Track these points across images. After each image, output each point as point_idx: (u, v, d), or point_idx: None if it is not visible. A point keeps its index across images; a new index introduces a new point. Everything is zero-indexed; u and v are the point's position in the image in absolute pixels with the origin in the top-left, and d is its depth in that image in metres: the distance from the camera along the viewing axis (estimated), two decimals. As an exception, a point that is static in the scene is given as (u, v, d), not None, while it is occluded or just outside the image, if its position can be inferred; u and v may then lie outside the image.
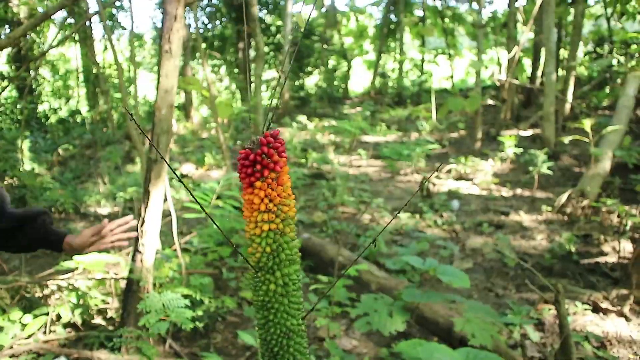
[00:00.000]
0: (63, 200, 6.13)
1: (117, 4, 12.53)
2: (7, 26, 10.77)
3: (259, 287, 0.94)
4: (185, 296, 2.65)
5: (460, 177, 7.04)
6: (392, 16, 16.56)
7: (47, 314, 3.03)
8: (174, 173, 0.77)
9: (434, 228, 5.03)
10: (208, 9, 13.97)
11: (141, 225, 2.86)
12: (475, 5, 12.97)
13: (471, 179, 6.92)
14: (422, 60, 16.23)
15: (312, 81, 16.01)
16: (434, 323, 2.76)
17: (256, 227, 0.93)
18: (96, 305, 3.26)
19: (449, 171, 7.23)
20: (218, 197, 3.67)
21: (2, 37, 11.19)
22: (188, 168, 7.76)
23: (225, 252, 3.42)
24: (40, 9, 11.59)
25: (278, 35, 13.82)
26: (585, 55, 12.02)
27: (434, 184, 6.44)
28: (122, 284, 3.44)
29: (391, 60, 17.73)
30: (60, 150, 8.69)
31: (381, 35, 16.34)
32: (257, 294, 0.95)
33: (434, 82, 15.76)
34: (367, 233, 4.52)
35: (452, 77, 14.69)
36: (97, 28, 12.72)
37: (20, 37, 4.10)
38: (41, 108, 12.78)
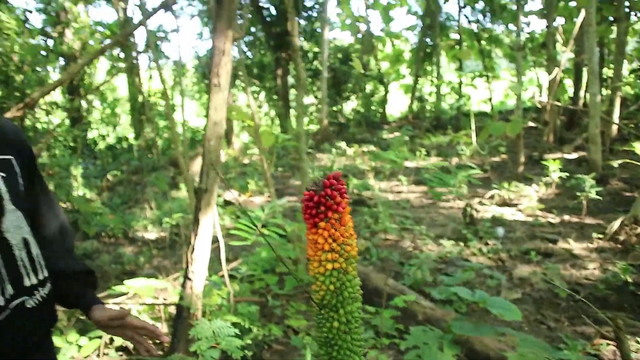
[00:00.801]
0: (113, 225, 6.37)
1: (162, 35, 13.12)
2: (61, 58, 11.45)
3: (322, 324, 0.97)
4: (234, 324, 2.69)
5: (504, 203, 6.89)
6: (428, 40, 16.61)
7: (101, 337, 3.13)
8: (239, 207, 0.81)
9: (479, 256, 4.92)
10: (247, 38, 14.42)
11: (191, 253, 2.94)
12: (512, 26, 12.86)
13: (515, 205, 6.75)
14: (460, 84, 16.13)
15: (350, 106, 16.14)
16: (485, 357, 2.69)
17: (320, 266, 0.96)
18: (146, 330, 3.34)
19: (492, 197, 7.09)
20: (263, 225, 3.73)
21: (57, 68, 11.89)
22: (231, 194, 7.93)
23: (272, 280, 3.46)
24: (91, 42, 12.28)
25: (315, 62, 14.09)
26: (630, 73, 11.66)
27: (477, 211, 6.32)
28: (171, 309, 3.53)
29: (428, 84, 17.71)
30: (109, 176, 9.05)
31: (417, 59, 16.37)
32: (321, 330, 0.98)
33: (472, 105, 15.61)
34: (412, 261, 4.48)
35: (490, 99, 14.49)
36: (143, 58, 13.34)
37: (78, 72, 4.36)
38: (90, 135, 13.42)
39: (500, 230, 5.51)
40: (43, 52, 9.22)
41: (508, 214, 6.35)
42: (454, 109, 15.28)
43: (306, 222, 0.99)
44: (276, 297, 3.81)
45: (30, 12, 12.31)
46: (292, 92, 15.59)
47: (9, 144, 1.26)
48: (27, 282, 1.19)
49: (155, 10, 3.82)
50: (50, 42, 11.29)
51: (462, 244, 5.23)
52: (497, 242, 5.21)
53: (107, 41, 12.98)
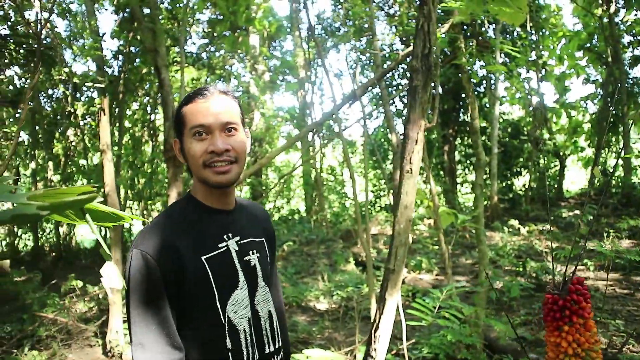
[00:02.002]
0: (288, 294, 6.82)
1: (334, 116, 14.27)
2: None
3: None
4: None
5: None
6: (612, 108, 15.13)
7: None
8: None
9: (701, 365, 4.09)
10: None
11: (375, 331, 3.02)
12: None
13: None
14: (656, 155, 14.16)
15: (521, 182, 15.26)
16: None
17: (563, 370, 0.97)
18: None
19: None
20: (440, 307, 3.67)
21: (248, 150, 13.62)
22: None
23: (454, 366, 3.35)
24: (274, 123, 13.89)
25: (484, 137, 13.81)
26: None
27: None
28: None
29: (613, 156, 15.92)
30: (284, 246, 9.80)
31: (599, 130, 14.95)
32: None
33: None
34: (611, 362, 3.91)
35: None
36: (317, 139, 14.62)
37: (274, 157, 4.98)
38: (267, 207, 14.82)
39: None
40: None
41: None
42: (648, 184, 13.40)
43: (547, 324, 1.01)
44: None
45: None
46: (459, 168, 15.38)
47: (262, 228, 1.51)
48: (267, 350, 1.38)
49: (344, 102, 4.26)
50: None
51: (677, 347, 4.42)
52: None
53: (288, 124, 14.57)
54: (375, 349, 3.05)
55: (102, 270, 0.84)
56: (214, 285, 1.25)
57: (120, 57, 10.36)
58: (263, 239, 1.47)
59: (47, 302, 6.46)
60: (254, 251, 1.40)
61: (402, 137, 3.13)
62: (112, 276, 0.85)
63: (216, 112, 1.26)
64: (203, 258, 1.25)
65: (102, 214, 1.03)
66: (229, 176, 1.28)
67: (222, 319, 1.27)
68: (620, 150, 14.95)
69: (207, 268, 1.25)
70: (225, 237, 1.33)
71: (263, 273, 1.41)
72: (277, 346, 1.42)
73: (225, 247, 1.32)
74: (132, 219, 1.05)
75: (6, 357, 4.91)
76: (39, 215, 0.66)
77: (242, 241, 1.37)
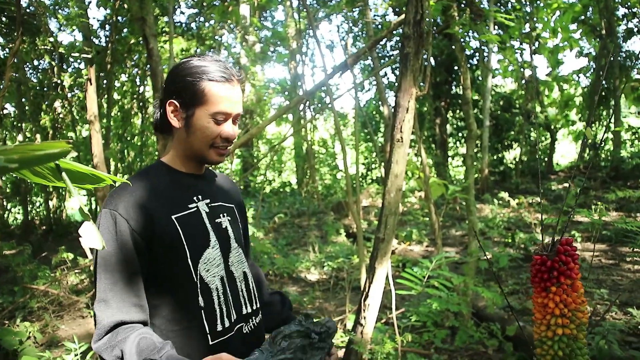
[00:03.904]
0: (279, 265, 6.87)
1: (324, 88, 14.12)
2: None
3: (549, 391, 0.96)
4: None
5: None
6: (604, 82, 15.12)
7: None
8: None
9: (682, 332, 4.19)
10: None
11: (364, 300, 3.05)
12: None
13: None
14: (645, 129, 14.26)
15: (512, 155, 15.33)
16: None
17: (548, 330, 0.97)
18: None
19: (694, 262, 6.04)
20: (430, 277, 3.70)
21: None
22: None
23: (442, 333, 3.40)
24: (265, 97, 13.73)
25: (475, 110, 13.77)
26: None
27: (676, 277, 5.44)
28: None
29: (603, 130, 15.99)
30: (276, 218, 9.82)
31: (590, 104, 14.97)
32: (547, 398, 0.96)
33: (662, 153, 13.63)
34: (595, 330, 4.00)
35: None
36: (307, 110, 14.49)
37: (263, 129, 4.93)
38: (258, 179, 14.79)
39: None
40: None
41: None
42: (637, 158, 13.51)
43: (535, 285, 1.00)
44: (439, 351, 3.70)
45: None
46: (450, 141, 15.38)
47: (231, 196, 1.53)
48: (244, 311, 1.39)
49: (335, 72, 4.19)
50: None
51: (658, 315, 4.51)
52: None
53: (279, 96, 14.42)
54: (364, 317, 3.09)
55: (81, 230, 0.82)
56: (185, 244, 1.26)
57: (107, 26, 10.11)
58: (233, 205, 1.50)
59: (38, 274, 6.45)
60: (225, 214, 1.42)
61: (393, 107, 3.10)
62: (91, 235, 0.82)
63: (237, 102, 1.32)
64: (173, 217, 1.26)
65: (80, 175, 1.00)
66: (225, 157, 1.36)
67: (195, 277, 1.27)
68: (610, 124, 15.00)
69: (178, 227, 1.26)
70: (195, 198, 1.35)
71: (235, 235, 1.43)
72: (254, 307, 1.43)
73: (196, 208, 1.33)
74: (113, 180, 1.02)
75: (-2, 328, 4.91)
76: (7, 168, 0.63)
77: (212, 204, 1.39)
